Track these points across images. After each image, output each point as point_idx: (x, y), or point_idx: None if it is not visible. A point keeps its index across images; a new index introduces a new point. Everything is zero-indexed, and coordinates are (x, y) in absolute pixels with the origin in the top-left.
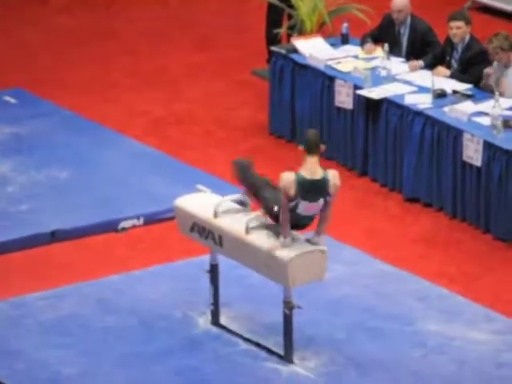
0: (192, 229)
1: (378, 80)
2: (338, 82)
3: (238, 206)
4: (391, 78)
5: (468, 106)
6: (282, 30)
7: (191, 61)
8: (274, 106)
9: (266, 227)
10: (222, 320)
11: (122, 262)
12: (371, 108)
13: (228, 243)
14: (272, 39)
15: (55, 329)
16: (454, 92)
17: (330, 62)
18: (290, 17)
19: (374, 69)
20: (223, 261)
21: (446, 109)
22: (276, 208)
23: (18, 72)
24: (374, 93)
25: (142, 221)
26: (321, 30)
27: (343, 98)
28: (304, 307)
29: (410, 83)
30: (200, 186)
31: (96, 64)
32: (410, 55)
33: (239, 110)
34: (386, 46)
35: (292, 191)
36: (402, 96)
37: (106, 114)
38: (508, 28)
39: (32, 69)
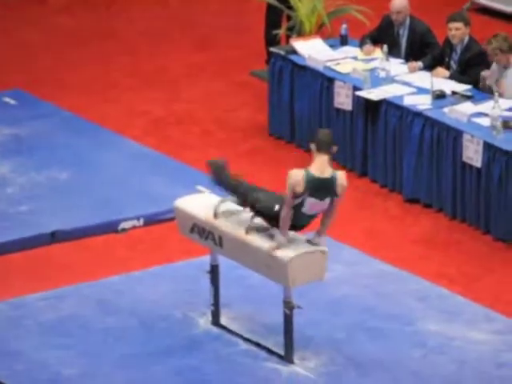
0: (192, 230)
1: (377, 81)
2: (337, 83)
3: (237, 207)
4: (390, 79)
5: (467, 107)
6: (281, 31)
7: (191, 61)
8: (274, 107)
9: (266, 227)
10: (223, 320)
11: (122, 263)
12: (370, 109)
13: (228, 244)
14: (271, 40)
15: (55, 329)
16: (454, 93)
17: (329, 63)
18: (288, 18)
19: (373, 70)
20: (223, 261)
21: (445, 110)
22: (277, 207)
23: (18, 72)
24: (373, 94)
25: (141, 221)
26: (320, 31)
27: (342, 99)
28: (304, 307)
29: (409, 84)
30: (200, 187)
31: (96, 64)
32: (409, 56)
33: (239, 110)
34: (385, 47)
35: (300, 188)
36: (401, 97)
37: (106, 114)
38: (507, 29)
39: (32, 69)
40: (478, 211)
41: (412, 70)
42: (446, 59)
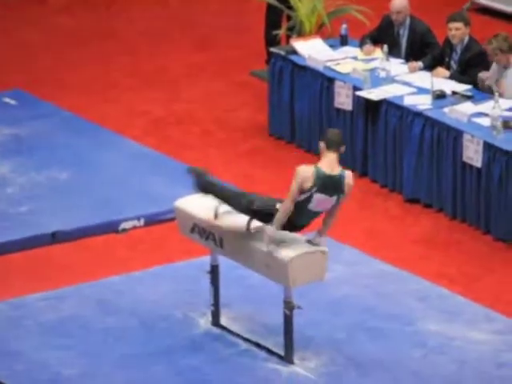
0: (192, 230)
1: (377, 81)
2: (338, 84)
3: None
4: (390, 79)
5: (468, 107)
6: (281, 32)
7: (191, 61)
8: (274, 107)
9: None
10: (223, 320)
11: (123, 263)
12: (370, 109)
13: (228, 244)
14: (271, 40)
15: (55, 330)
16: (454, 93)
17: (329, 64)
18: (289, 18)
19: (373, 70)
20: (223, 261)
21: (445, 110)
22: (278, 205)
23: (18, 72)
24: (374, 94)
25: (142, 222)
26: (320, 31)
27: (342, 99)
28: (304, 307)
29: (409, 84)
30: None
31: (96, 64)
32: (410, 56)
33: (239, 110)
34: (385, 47)
35: (308, 184)
36: (401, 97)
37: (106, 114)
38: (507, 29)
39: (32, 69)
40: (478, 211)
41: (412, 70)
42: (446, 59)
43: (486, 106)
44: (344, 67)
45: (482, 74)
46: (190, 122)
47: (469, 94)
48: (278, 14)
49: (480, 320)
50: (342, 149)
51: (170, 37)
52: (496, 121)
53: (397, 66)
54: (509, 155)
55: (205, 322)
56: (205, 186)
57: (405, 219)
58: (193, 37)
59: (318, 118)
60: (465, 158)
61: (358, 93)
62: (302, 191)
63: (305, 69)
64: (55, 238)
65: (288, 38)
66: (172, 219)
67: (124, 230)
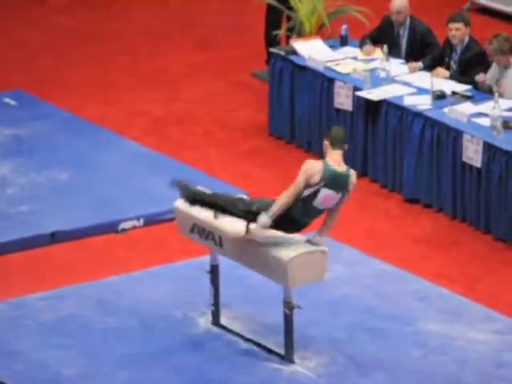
0: (192, 230)
1: (377, 81)
2: (338, 84)
3: None
4: (390, 80)
5: (467, 107)
6: (281, 32)
7: (191, 61)
8: (274, 108)
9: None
10: (223, 320)
11: (122, 263)
12: (370, 109)
13: (228, 244)
14: (271, 41)
15: (55, 329)
16: (454, 93)
17: (329, 64)
18: (288, 18)
19: (373, 70)
20: (223, 261)
21: (445, 110)
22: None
23: (18, 72)
24: (374, 94)
25: (142, 222)
26: (320, 31)
27: (342, 100)
28: (304, 307)
29: (409, 84)
30: (200, 187)
31: (96, 64)
32: (409, 57)
33: (239, 110)
34: (385, 47)
35: (316, 178)
36: (401, 97)
37: (106, 114)
38: (507, 29)
39: (32, 69)
40: (478, 211)
41: (412, 71)
42: (446, 59)
43: (486, 106)
44: (344, 67)
45: (479, 77)
46: (190, 122)
47: (469, 94)
48: (278, 15)
49: (480, 320)
50: (346, 146)
51: (170, 37)
52: (496, 121)
53: (397, 67)
54: (509, 155)
55: (205, 321)
56: (192, 197)
57: (405, 219)
58: (193, 37)
59: (317, 118)
60: (465, 158)
61: (358, 93)
62: (308, 185)
63: (305, 69)
64: (55, 237)
65: (288, 38)
66: (172, 219)
67: (124, 230)
